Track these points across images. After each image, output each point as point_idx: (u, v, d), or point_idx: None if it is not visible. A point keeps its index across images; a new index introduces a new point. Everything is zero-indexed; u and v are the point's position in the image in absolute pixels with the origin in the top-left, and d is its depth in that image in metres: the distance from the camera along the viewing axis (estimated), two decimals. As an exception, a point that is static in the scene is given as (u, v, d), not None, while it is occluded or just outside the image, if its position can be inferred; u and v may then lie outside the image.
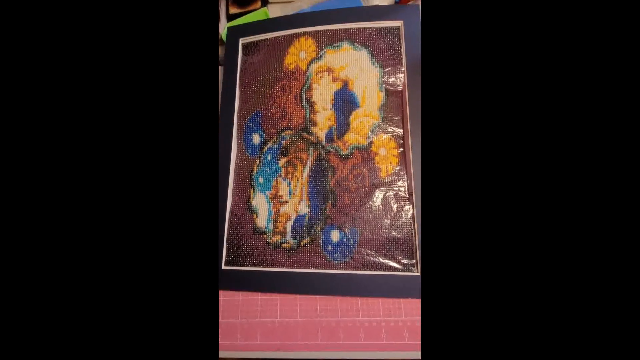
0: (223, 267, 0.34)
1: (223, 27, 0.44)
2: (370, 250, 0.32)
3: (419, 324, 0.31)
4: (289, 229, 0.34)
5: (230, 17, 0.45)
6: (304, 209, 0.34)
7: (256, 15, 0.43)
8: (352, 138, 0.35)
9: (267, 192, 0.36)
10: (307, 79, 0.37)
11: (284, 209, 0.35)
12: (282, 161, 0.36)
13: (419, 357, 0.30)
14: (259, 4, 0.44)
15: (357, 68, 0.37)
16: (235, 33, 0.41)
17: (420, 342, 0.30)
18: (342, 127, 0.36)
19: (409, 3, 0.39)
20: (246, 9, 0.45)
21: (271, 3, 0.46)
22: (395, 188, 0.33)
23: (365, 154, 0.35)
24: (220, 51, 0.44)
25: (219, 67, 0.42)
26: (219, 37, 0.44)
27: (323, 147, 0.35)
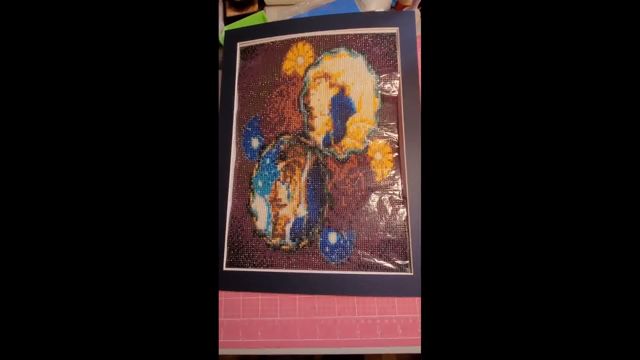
0: (224, 268, 0.35)
1: (221, 30, 0.44)
2: (366, 251, 0.34)
3: (412, 321, 0.33)
4: (288, 232, 0.35)
5: (227, 20, 0.45)
6: (302, 211, 0.36)
7: (253, 18, 0.44)
8: (349, 143, 0.36)
9: (266, 195, 0.37)
10: (305, 85, 0.38)
11: (283, 211, 0.36)
12: (281, 165, 0.37)
13: (412, 352, 0.32)
14: (257, 7, 0.45)
15: (354, 74, 0.37)
16: (233, 37, 0.41)
17: (412, 337, 0.32)
18: (339, 132, 0.37)
19: (405, 9, 0.40)
20: (243, 12, 0.45)
21: (268, 6, 0.46)
22: (390, 192, 0.35)
23: (362, 158, 0.36)
24: (219, 54, 0.44)
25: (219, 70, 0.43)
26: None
27: (320, 151, 0.37)
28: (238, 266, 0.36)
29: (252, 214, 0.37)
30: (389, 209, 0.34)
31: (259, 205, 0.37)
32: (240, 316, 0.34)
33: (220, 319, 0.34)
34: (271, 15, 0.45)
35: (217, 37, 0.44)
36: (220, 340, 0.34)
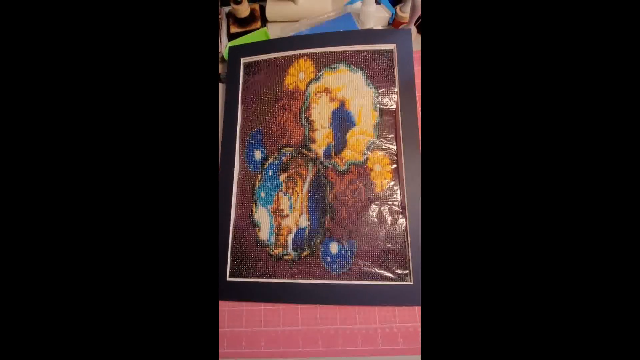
0: (227, 278, 0.36)
1: (225, 45, 0.46)
2: (367, 261, 0.34)
3: (412, 330, 0.33)
4: (290, 242, 0.36)
5: (231, 36, 0.47)
6: (304, 222, 0.36)
7: (257, 35, 0.45)
8: (349, 155, 0.37)
9: (268, 206, 0.38)
10: (306, 99, 0.40)
11: (285, 222, 0.37)
12: (283, 176, 0.38)
13: (413, 361, 0.32)
14: (259, 23, 0.47)
15: (353, 89, 0.39)
16: (237, 52, 0.43)
17: (413, 346, 0.33)
18: (339, 144, 0.38)
19: (401, 27, 0.42)
20: (247, 29, 0.47)
21: (271, 23, 0.48)
22: (389, 202, 0.36)
23: (362, 169, 0.37)
24: (222, 69, 0.46)
25: (222, 85, 0.44)
26: (221, 55, 0.46)
27: (322, 163, 0.38)
28: (241, 276, 0.36)
29: (255, 225, 0.38)
30: (389, 219, 0.35)
31: (262, 215, 0.38)
32: (243, 326, 0.35)
33: (223, 329, 0.35)
34: (273, 31, 0.47)
35: (217, 52, 0.45)
36: (223, 351, 0.34)
